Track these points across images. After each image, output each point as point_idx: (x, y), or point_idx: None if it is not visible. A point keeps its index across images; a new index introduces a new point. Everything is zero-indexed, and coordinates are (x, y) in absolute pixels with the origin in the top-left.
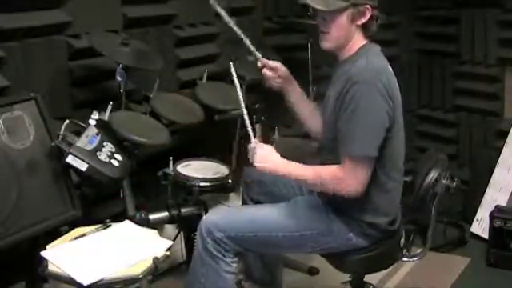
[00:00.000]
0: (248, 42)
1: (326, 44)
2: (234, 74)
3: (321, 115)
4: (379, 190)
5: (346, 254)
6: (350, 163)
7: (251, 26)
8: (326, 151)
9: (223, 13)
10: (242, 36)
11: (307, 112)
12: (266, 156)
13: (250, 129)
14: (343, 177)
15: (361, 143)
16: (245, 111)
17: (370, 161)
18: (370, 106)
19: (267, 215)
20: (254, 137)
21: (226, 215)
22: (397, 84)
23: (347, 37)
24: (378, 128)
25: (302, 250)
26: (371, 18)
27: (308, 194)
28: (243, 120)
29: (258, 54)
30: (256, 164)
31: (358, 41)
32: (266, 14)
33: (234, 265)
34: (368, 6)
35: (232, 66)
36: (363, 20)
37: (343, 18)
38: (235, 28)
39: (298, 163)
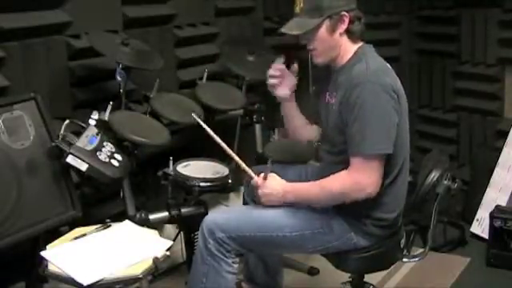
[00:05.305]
0: (237, 159)
1: (318, 59)
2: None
3: (320, 124)
4: (387, 186)
5: (346, 254)
6: (362, 162)
7: (251, 26)
8: (328, 156)
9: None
10: (235, 157)
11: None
12: (270, 195)
13: (245, 167)
14: (358, 178)
15: (372, 141)
16: (235, 156)
17: (381, 158)
18: (377, 103)
19: (268, 215)
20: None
21: (228, 215)
22: (399, 81)
23: (335, 47)
24: (388, 124)
25: (302, 249)
26: (351, 21)
27: None
28: (236, 163)
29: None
30: (263, 201)
31: (349, 46)
32: (266, 13)
33: (236, 265)
34: (343, 12)
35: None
36: (343, 27)
37: (323, 33)
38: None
39: (303, 185)
